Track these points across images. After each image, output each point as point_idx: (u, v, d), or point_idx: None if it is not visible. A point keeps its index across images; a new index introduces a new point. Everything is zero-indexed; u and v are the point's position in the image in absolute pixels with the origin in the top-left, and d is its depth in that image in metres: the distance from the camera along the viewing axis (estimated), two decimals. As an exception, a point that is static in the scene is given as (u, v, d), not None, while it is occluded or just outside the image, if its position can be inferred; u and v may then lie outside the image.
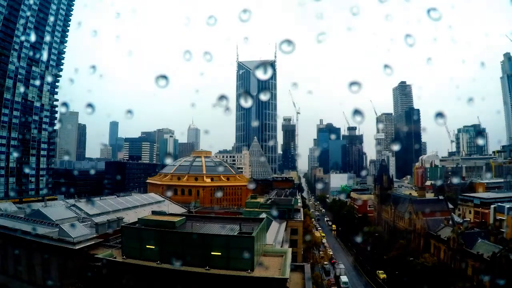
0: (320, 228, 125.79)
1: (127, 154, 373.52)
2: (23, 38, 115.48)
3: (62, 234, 36.77)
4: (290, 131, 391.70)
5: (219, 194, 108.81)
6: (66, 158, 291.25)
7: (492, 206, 73.16)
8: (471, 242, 54.02)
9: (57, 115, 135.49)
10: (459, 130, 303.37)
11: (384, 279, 69.30)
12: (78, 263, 34.90)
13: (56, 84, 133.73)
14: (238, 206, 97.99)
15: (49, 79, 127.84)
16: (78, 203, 53.05)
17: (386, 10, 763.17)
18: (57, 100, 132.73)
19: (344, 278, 70.73)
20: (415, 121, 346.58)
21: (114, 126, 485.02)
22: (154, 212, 41.28)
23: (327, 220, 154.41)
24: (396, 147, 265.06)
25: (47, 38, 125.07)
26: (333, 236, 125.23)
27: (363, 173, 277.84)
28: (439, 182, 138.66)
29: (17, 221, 43.08)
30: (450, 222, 66.75)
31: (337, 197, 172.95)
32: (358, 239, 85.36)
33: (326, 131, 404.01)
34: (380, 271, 71.63)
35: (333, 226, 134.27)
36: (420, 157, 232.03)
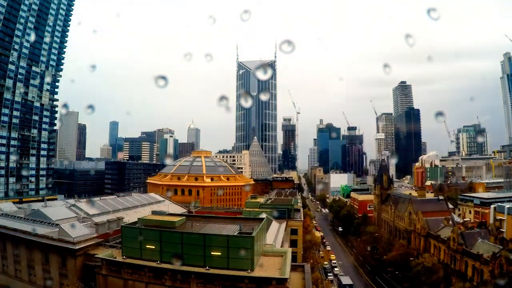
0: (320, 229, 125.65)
1: (127, 154, 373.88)
2: (23, 38, 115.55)
3: (62, 234, 36.75)
4: (290, 131, 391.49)
5: (219, 194, 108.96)
6: (66, 158, 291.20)
7: (492, 206, 73.11)
8: (471, 242, 53.99)
9: (57, 115, 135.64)
10: (459, 130, 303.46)
11: None
12: (78, 263, 34.92)
13: (56, 84, 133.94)
14: (238, 206, 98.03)
15: (49, 79, 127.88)
16: (78, 203, 53.13)
17: (386, 9, 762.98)
18: (57, 100, 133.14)
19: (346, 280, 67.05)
20: (415, 121, 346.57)
21: (114, 126, 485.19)
22: (154, 212, 41.27)
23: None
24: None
25: (47, 38, 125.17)
26: (332, 235, 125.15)
27: (365, 169, 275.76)
28: (439, 182, 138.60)
29: (17, 221, 43.10)
30: (450, 222, 66.75)
31: (337, 196, 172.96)
32: (358, 239, 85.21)
33: (326, 131, 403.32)
34: None
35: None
36: (420, 157, 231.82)
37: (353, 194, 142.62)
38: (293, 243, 55.51)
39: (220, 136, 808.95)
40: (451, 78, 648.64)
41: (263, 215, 44.54)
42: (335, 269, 79.66)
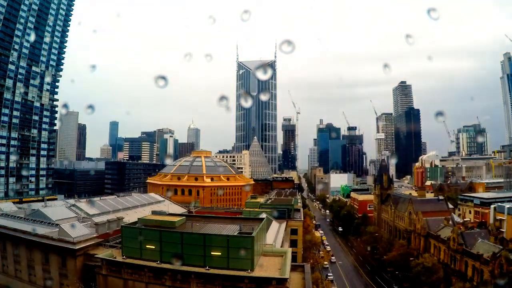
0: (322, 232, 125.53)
1: (127, 154, 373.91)
2: (23, 38, 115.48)
3: (62, 234, 36.74)
4: (290, 131, 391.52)
5: (219, 194, 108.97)
6: (66, 158, 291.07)
7: (492, 206, 73.11)
8: (471, 242, 53.96)
9: (57, 115, 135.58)
10: (459, 130, 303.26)
11: None
12: (78, 263, 34.91)
13: (56, 84, 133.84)
14: (238, 206, 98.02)
15: (49, 79, 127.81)
16: (78, 203, 53.08)
17: (386, 9, 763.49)
18: (57, 100, 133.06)
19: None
20: (415, 121, 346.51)
21: (114, 126, 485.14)
22: (154, 212, 41.28)
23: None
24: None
25: (47, 38, 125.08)
26: (332, 235, 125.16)
27: (365, 169, 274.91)
28: (439, 182, 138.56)
29: (17, 221, 43.08)
30: (450, 222, 66.72)
31: (337, 196, 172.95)
32: (358, 239, 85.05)
33: (326, 131, 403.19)
34: None
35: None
36: (420, 157, 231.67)
37: (353, 194, 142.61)
38: (293, 243, 55.52)
39: (220, 136, 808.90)
40: (451, 78, 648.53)
41: (263, 215, 44.58)
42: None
